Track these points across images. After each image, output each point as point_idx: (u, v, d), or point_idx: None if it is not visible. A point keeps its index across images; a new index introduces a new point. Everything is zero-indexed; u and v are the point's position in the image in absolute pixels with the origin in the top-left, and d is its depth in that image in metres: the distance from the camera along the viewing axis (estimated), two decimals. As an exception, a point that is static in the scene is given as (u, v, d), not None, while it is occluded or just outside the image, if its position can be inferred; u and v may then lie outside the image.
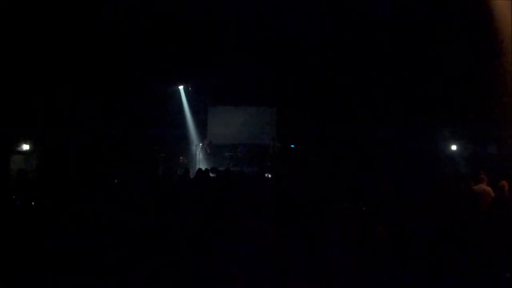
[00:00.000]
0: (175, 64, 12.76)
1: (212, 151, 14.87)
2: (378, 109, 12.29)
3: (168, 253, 4.03)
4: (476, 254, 3.41)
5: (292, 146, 14.18)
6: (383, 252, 3.66)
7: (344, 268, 3.69)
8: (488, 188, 5.93)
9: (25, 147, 11.48)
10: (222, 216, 4.54)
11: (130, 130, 12.47)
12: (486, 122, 10.08)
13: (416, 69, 11.22)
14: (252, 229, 3.92)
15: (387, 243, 3.70)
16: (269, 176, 8.79)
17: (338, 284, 3.62)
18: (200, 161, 14.06)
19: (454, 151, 11.46)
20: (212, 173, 8.39)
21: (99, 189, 6.30)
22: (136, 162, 11.97)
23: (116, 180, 7.53)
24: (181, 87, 15.30)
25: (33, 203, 5.48)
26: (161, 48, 12.04)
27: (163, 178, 9.32)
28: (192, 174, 9.50)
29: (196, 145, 14.37)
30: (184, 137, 15.03)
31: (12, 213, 5.11)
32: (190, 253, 4.00)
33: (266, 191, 6.26)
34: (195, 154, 14.14)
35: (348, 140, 12.88)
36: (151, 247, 4.12)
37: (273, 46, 12.29)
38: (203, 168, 8.67)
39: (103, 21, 10.82)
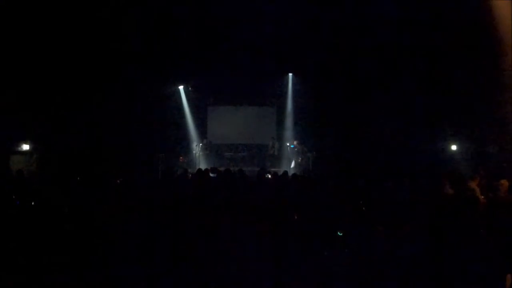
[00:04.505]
0: (175, 64, 12.76)
1: (212, 151, 14.87)
2: (378, 109, 12.29)
3: (169, 253, 4.03)
4: (475, 253, 3.42)
5: (292, 146, 14.19)
6: (382, 252, 3.66)
7: (344, 268, 3.70)
8: (475, 187, 5.91)
9: (25, 147, 11.48)
10: (222, 216, 4.53)
11: (130, 130, 12.47)
12: (486, 122, 10.08)
13: (416, 69, 11.22)
14: (252, 229, 3.92)
15: (387, 243, 3.71)
16: (269, 176, 8.76)
17: (338, 284, 3.62)
18: (200, 161, 14.06)
19: (454, 151, 11.46)
20: (212, 173, 8.38)
21: (99, 189, 6.29)
22: (136, 162, 11.97)
23: (118, 181, 7.52)
24: (181, 87, 15.30)
25: (33, 203, 5.48)
26: (161, 48, 12.05)
27: (163, 178, 9.31)
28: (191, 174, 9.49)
29: (196, 145, 14.37)
30: (184, 137, 15.04)
31: (12, 213, 5.10)
32: (190, 253, 4.00)
33: (266, 191, 6.25)
34: (195, 154, 14.15)
35: (349, 140, 12.88)
36: (151, 247, 4.12)
37: (273, 46, 12.30)
38: (203, 168, 8.65)
39: (103, 21, 10.82)
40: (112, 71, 11.69)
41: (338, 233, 4.06)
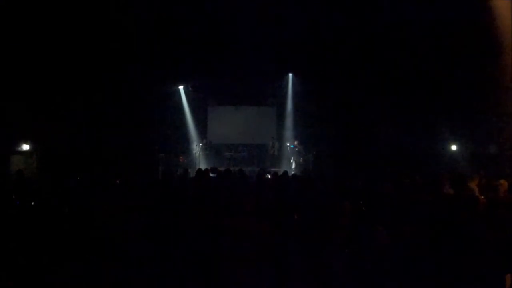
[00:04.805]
0: (175, 64, 12.77)
1: (212, 151, 14.88)
2: (379, 108, 12.29)
3: (168, 253, 4.03)
4: (475, 254, 3.42)
5: (292, 146, 14.20)
6: (382, 252, 3.66)
7: (344, 269, 3.69)
8: (475, 187, 5.94)
9: (25, 147, 11.48)
10: (222, 216, 4.54)
11: (130, 130, 12.48)
12: (486, 122, 10.08)
13: (416, 69, 11.22)
14: (252, 229, 3.92)
15: (387, 243, 3.71)
16: (269, 176, 8.77)
17: (338, 284, 3.62)
18: (200, 161, 14.07)
19: (454, 151, 11.46)
20: (212, 173, 8.38)
21: (99, 189, 6.30)
22: (136, 162, 11.98)
23: (118, 181, 7.52)
24: (181, 87, 15.31)
25: (33, 203, 5.48)
26: (161, 48, 12.05)
27: (163, 178, 9.31)
28: (191, 174, 9.49)
29: (196, 145, 14.38)
30: (184, 137, 15.04)
31: (12, 213, 5.11)
32: (190, 253, 4.00)
33: (266, 191, 6.25)
34: (195, 154, 14.15)
35: (348, 140, 12.89)
36: (151, 247, 4.12)
37: (273, 46, 12.30)
38: (203, 168, 8.66)
39: (103, 21, 10.82)
40: (112, 71, 11.70)
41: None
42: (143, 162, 12.35)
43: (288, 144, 14.57)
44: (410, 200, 5.28)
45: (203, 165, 12.76)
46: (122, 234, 4.31)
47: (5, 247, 4.09)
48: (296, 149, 13.79)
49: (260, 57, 12.43)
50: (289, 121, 15.20)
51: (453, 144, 11.49)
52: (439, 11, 10.24)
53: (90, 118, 11.77)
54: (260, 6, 10.88)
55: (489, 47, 9.68)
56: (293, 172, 11.82)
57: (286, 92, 15.29)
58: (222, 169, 8.76)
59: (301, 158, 13.63)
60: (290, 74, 15.10)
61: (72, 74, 11.22)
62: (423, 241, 3.77)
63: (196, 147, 14.27)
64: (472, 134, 10.74)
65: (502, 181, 5.79)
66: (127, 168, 10.68)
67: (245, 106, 15.71)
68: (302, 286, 3.71)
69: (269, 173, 9.57)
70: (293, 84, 15.16)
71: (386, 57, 11.50)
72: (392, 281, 3.47)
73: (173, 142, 14.30)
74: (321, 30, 11.58)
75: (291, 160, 13.89)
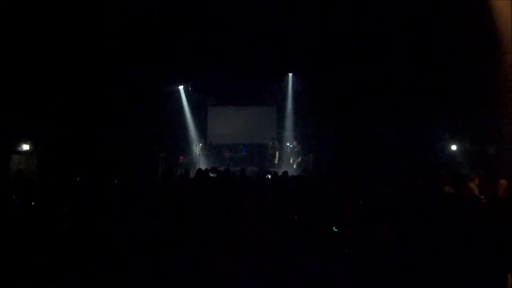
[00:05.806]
0: (175, 64, 12.77)
1: (212, 151, 14.88)
2: (378, 109, 12.28)
3: (168, 253, 4.04)
4: (476, 253, 3.42)
5: (291, 146, 14.19)
6: (384, 251, 3.66)
7: (344, 268, 3.70)
8: (474, 187, 5.96)
9: (25, 147, 11.48)
10: (222, 216, 4.54)
11: (130, 130, 12.47)
12: (486, 122, 10.07)
13: (416, 69, 11.22)
14: (252, 229, 3.93)
15: (391, 242, 3.71)
16: (269, 176, 8.78)
17: (338, 284, 3.62)
18: (200, 161, 14.07)
19: (454, 151, 11.45)
20: (212, 173, 8.39)
21: (99, 189, 6.30)
22: (136, 162, 11.98)
23: (116, 181, 7.52)
24: (181, 87, 15.31)
25: (33, 203, 5.48)
26: (162, 48, 12.05)
27: (163, 178, 9.31)
28: (192, 174, 9.50)
29: (196, 145, 14.39)
30: (184, 137, 15.05)
31: (12, 213, 5.10)
32: (190, 253, 4.01)
33: (267, 191, 6.25)
34: (195, 154, 14.16)
35: (348, 140, 12.88)
36: (151, 247, 4.12)
37: (273, 46, 12.30)
38: (203, 168, 8.66)
39: (103, 20, 10.82)
40: (113, 71, 11.69)
41: (334, 228, 4.06)
42: (143, 162, 12.34)
43: (288, 144, 14.59)
44: (410, 200, 5.29)
45: (203, 165, 12.76)
46: (122, 234, 4.31)
47: (5, 247, 4.09)
48: (296, 149, 13.80)
49: (260, 57, 12.43)
50: (289, 121, 15.21)
51: (453, 144, 11.47)
52: (439, 10, 10.24)
53: (90, 118, 11.76)
54: (260, 6, 10.87)
55: (490, 47, 9.67)
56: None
57: (286, 92, 15.30)
58: (222, 169, 8.76)
59: (300, 158, 13.65)
60: (290, 74, 15.11)
61: (72, 74, 11.21)
62: (424, 241, 3.77)
63: (196, 147, 14.27)
64: (472, 134, 10.72)
65: (502, 181, 5.81)
66: (127, 168, 10.67)
67: (245, 106, 15.71)
68: (302, 286, 3.71)
69: (269, 173, 9.57)
70: (293, 84, 15.17)
71: (386, 57, 11.50)
72: (393, 281, 3.47)
73: (173, 142, 14.30)
74: (321, 30, 11.57)
75: (287, 160, 13.91)
